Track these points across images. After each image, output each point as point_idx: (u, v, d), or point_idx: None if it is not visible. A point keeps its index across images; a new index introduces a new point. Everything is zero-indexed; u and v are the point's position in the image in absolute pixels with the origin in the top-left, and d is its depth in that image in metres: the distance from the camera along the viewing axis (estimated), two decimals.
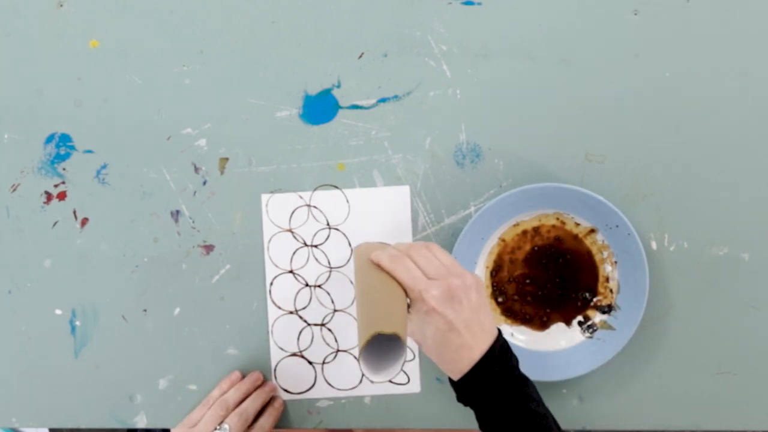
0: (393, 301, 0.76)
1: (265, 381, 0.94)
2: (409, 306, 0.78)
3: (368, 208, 0.95)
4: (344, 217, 0.95)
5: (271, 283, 0.95)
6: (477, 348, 0.76)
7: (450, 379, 0.79)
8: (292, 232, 0.95)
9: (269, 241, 0.95)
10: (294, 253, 0.95)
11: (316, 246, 0.95)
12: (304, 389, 0.95)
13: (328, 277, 0.95)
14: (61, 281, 0.96)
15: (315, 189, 0.95)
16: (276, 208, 0.95)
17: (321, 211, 0.95)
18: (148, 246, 0.96)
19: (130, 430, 0.98)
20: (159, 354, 0.96)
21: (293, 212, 0.95)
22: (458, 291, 0.76)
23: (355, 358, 0.95)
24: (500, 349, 0.77)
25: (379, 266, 0.80)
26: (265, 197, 0.95)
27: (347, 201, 0.95)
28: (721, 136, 0.94)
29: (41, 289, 0.96)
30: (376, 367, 0.74)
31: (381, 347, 0.76)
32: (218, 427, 0.86)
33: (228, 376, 0.93)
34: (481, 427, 0.79)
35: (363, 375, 0.95)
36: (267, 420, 0.91)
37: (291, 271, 0.95)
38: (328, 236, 0.95)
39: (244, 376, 0.94)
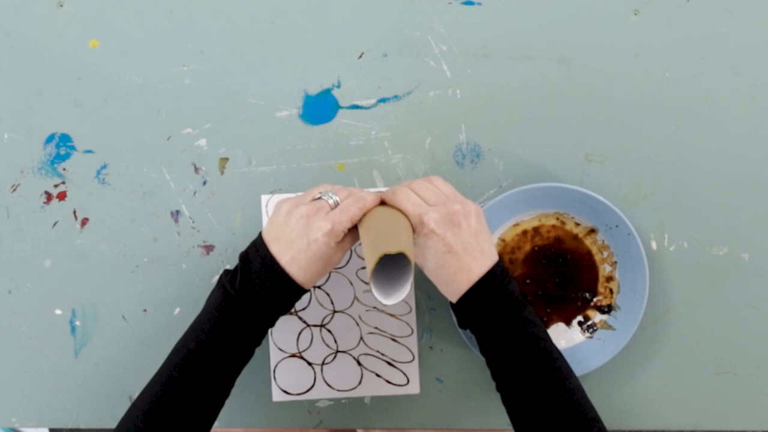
0: (397, 226, 0.77)
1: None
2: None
3: None
4: None
5: None
6: (476, 270, 0.78)
7: (451, 304, 0.81)
8: None
9: None
10: None
11: None
12: (304, 390, 0.95)
13: (328, 278, 0.95)
14: (61, 281, 0.96)
15: None
16: None
17: None
18: (148, 246, 0.96)
19: None
20: (159, 354, 0.96)
21: None
22: (458, 215, 0.78)
23: (355, 359, 0.95)
24: (500, 273, 0.78)
25: (383, 204, 0.82)
26: (264, 198, 0.95)
27: None
28: (721, 136, 0.94)
29: (41, 289, 0.96)
30: (387, 292, 0.74)
31: (389, 273, 0.76)
32: (322, 192, 0.81)
33: None
34: (481, 351, 0.81)
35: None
36: (368, 194, 0.81)
37: None
38: None
39: None
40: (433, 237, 0.77)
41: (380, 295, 0.73)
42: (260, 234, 0.81)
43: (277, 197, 0.95)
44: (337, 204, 0.80)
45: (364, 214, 0.81)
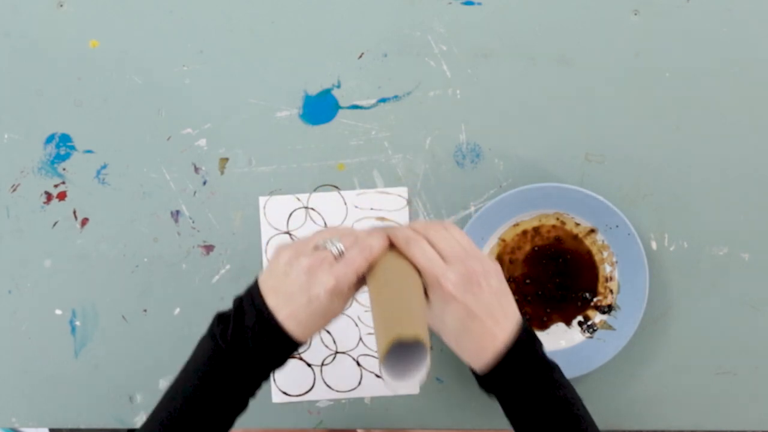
0: (411, 293, 0.71)
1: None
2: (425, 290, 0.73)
3: (365, 210, 0.95)
4: (342, 219, 0.95)
5: None
6: (500, 336, 0.72)
7: (471, 369, 0.75)
8: (290, 234, 0.95)
9: (267, 244, 0.95)
10: None
11: None
12: (303, 391, 0.95)
13: None
14: (61, 281, 0.96)
15: (315, 189, 0.95)
16: (273, 210, 0.95)
17: (319, 213, 0.95)
18: (148, 246, 0.96)
19: (130, 430, 0.98)
20: (159, 354, 0.96)
21: (291, 214, 0.95)
22: (478, 276, 0.71)
23: (355, 360, 0.95)
24: (525, 336, 0.73)
25: (392, 246, 0.75)
26: (262, 200, 0.95)
27: (345, 203, 0.95)
28: (721, 136, 0.94)
29: (41, 289, 0.96)
30: (398, 374, 0.68)
31: (401, 349, 0.70)
32: (326, 240, 0.75)
33: None
34: (506, 414, 0.75)
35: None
36: (375, 240, 0.75)
37: None
38: None
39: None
40: (452, 303, 0.71)
41: (390, 377, 0.67)
42: (256, 281, 0.74)
43: (275, 199, 0.95)
44: (341, 253, 0.73)
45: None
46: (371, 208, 0.95)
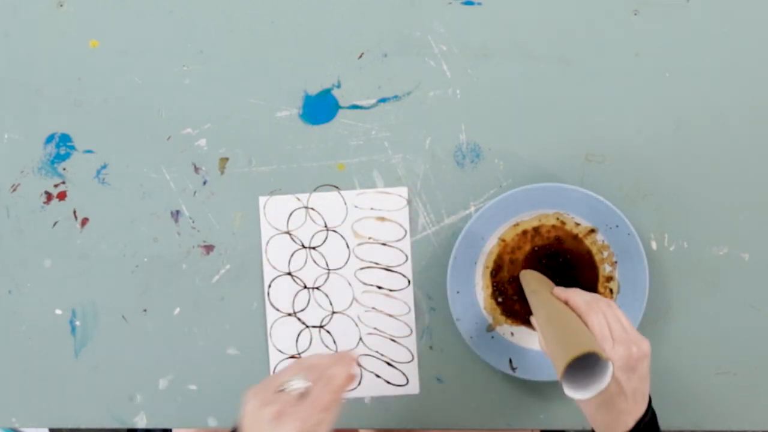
0: (586, 330, 0.78)
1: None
2: None
3: (365, 210, 0.95)
4: (342, 219, 0.95)
5: (270, 286, 0.95)
6: (632, 415, 0.78)
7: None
8: (290, 234, 0.95)
9: (267, 243, 0.95)
10: (292, 255, 0.95)
11: (314, 248, 0.95)
12: None
13: (327, 279, 0.95)
14: (61, 281, 0.96)
15: (315, 189, 0.95)
16: (273, 210, 0.95)
17: (319, 213, 0.95)
18: (148, 246, 0.96)
19: (130, 430, 0.98)
20: (159, 354, 0.96)
21: (291, 214, 0.95)
22: (635, 360, 0.77)
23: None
24: (650, 418, 0.79)
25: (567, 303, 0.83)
26: (262, 200, 0.95)
27: (345, 203, 0.95)
28: (721, 136, 0.94)
29: (41, 289, 0.96)
30: (576, 387, 0.73)
31: (578, 363, 0.74)
32: (290, 380, 0.75)
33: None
34: None
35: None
36: (339, 369, 0.76)
37: (289, 273, 0.95)
38: (326, 238, 0.95)
39: None
40: None
41: (570, 390, 0.72)
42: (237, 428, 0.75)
43: (275, 199, 0.95)
44: (307, 390, 0.74)
45: (534, 285, 0.82)
46: (371, 208, 0.95)
